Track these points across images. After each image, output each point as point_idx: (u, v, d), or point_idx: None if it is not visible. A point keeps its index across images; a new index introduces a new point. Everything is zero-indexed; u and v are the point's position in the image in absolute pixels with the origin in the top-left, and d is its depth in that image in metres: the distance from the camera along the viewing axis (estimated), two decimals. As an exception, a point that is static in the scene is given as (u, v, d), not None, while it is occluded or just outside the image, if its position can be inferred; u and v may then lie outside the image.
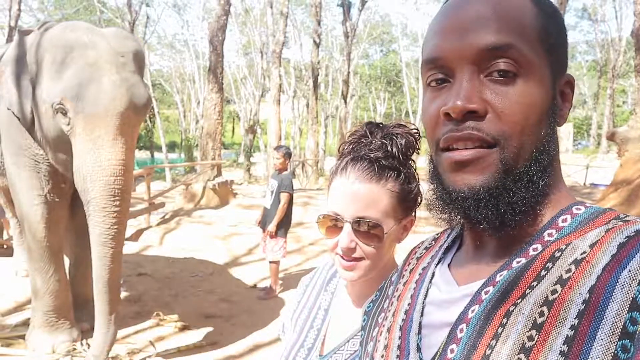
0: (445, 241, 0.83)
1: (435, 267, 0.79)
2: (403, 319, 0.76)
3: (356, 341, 1.10)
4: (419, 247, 0.90)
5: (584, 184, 19.20)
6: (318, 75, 23.98)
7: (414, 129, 1.13)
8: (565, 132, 33.74)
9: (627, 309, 0.52)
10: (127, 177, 3.49)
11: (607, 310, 0.53)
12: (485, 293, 0.65)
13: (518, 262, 0.65)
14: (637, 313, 0.51)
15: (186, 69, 36.48)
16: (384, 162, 1.09)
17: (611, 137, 9.46)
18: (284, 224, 6.24)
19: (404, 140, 1.09)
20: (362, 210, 1.06)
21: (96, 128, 3.38)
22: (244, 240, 8.94)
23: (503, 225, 0.65)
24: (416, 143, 1.12)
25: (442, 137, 0.65)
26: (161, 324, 5.14)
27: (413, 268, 0.85)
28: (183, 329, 5.08)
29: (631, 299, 0.52)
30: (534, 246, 0.65)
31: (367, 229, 1.06)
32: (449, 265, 0.77)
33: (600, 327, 0.52)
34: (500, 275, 0.65)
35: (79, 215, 4.60)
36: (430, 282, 0.77)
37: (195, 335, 4.95)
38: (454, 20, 0.66)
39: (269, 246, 6.24)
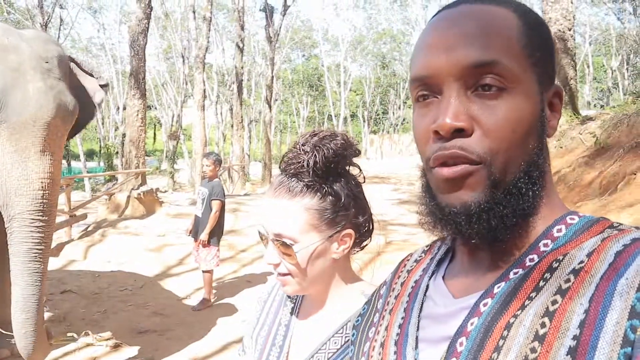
0: (436, 253, 0.82)
1: (429, 279, 0.77)
2: (398, 334, 0.75)
3: (320, 356, 1.09)
4: (409, 260, 0.88)
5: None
6: (242, 80, 23.79)
7: (343, 139, 1.09)
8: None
9: (627, 317, 0.52)
10: (54, 190, 3.30)
11: (607, 319, 0.53)
12: (484, 305, 0.64)
13: (515, 273, 0.65)
14: (637, 320, 0.52)
15: (103, 74, 35.04)
16: (301, 178, 1.07)
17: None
18: (216, 232, 6.13)
19: (322, 154, 1.05)
20: (279, 227, 1.06)
21: (22, 138, 3.17)
22: (175, 250, 8.68)
23: (495, 239, 0.65)
24: (344, 152, 1.09)
25: (432, 155, 0.65)
26: (91, 344, 4.86)
27: (404, 281, 0.83)
28: (115, 347, 4.84)
29: (630, 306, 0.53)
30: (531, 257, 0.65)
31: (283, 246, 1.06)
32: (442, 277, 0.76)
33: (602, 336, 0.53)
34: (498, 287, 0.65)
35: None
36: (425, 295, 0.76)
37: (129, 353, 4.74)
38: (440, 37, 0.66)
39: (202, 255, 6.10)
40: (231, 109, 28.54)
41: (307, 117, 48.64)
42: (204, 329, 5.46)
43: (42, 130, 3.20)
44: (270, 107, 25.74)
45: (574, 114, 10.12)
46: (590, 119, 9.78)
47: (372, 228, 1.17)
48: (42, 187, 3.19)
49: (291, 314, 1.22)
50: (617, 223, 0.64)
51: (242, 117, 24.09)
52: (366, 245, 1.18)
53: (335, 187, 1.08)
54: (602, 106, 31.85)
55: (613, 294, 0.54)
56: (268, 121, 25.85)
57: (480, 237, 0.65)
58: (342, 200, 1.08)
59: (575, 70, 10.78)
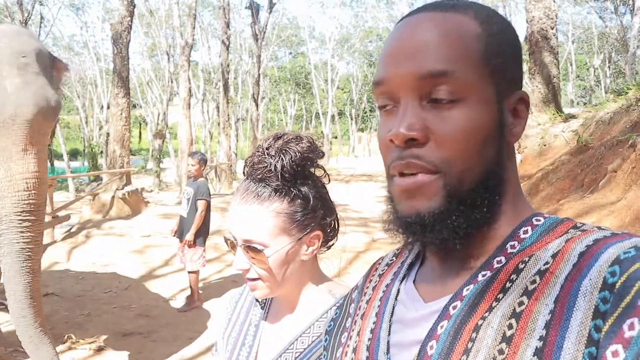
0: (407, 257, 0.82)
1: (400, 283, 0.78)
2: (369, 338, 0.75)
3: (288, 355, 1.10)
4: (380, 264, 0.88)
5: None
6: (228, 78, 23.68)
7: (308, 141, 1.10)
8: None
9: (591, 317, 0.53)
10: (41, 189, 3.21)
11: (572, 319, 0.54)
12: (453, 308, 0.65)
13: (484, 276, 0.65)
14: (600, 320, 0.52)
15: (87, 72, 34.69)
16: (268, 182, 1.07)
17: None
18: (202, 232, 6.10)
19: (289, 157, 1.06)
20: (247, 233, 1.07)
21: (2, 138, 3.08)
22: (160, 251, 8.62)
23: (450, 248, 0.66)
24: (310, 155, 1.10)
25: (390, 164, 0.67)
26: (74, 347, 4.82)
27: (376, 285, 0.83)
28: (99, 350, 4.80)
29: (594, 306, 0.53)
30: (498, 258, 0.65)
31: (252, 252, 1.07)
32: (413, 281, 0.76)
33: (567, 336, 0.53)
34: (467, 290, 0.65)
35: None
36: (396, 299, 0.76)
37: (114, 357, 4.70)
38: (397, 46, 0.67)
39: (188, 256, 6.06)
40: (218, 107, 28.40)
41: (294, 115, 48.56)
42: (190, 330, 5.43)
43: (23, 128, 3.11)
44: (257, 105, 25.65)
45: (557, 112, 10.20)
46: (573, 117, 9.86)
47: (338, 227, 1.19)
48: (27, 187, 3.11)
49: (261, 314, 1.23)
50: (580, 223, 0.65)
51: (228, 115, 23.97)
52: (332, 244, 1.20)
53: (303, 190, 1.09)
54: (585, 104, 32.21)
55: (577, 294, 0.55)
56: (255, 119, 25.77)
57: (435, 245, 0.66)
58: (311, 202, 1.09)
59: (558, 69, 10.86)
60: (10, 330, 5.04)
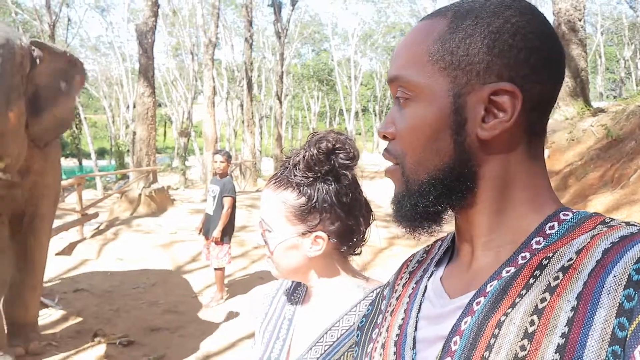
0: (436, 253, 0.83)
1: (427, 280, 0.79)
2: (397, 334, 0.76)
3: (318, 348, 1.13)
4: (411, 260, 0.89)
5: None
6: (252, 76, 23.81)
7: (332, 141, 1.14)
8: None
9: (615, 314, 0.53)
10: None
11: (595, 316, 0.54)
12: (477, 304, 0.65)
13: (507, 272, 0.65)
14: (625, 318, 0.52)
15: (113, 72, 35.24)
16: (285, 174, 1.16)
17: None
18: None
19: (309, 154, 1.13)
20: (263, 213, 1.19)
21: None
22: (186, 248, 8.72)
23: (414, 228, 0.73)
24: (330, 155, 1.13)
25: None
26: (104, 341, 4.91)
27: (406, 282, 0.84)
28: (128, 345, 4.89)
29: (618, 304, 0.53)
30: (523, 254, 0.65)
31: (264, 231, 1.18)
32: (440, 278, 0.77)
33: (590, 334, 0.53)
34: (491, 286, 0.65)
35: (20, 236, 4.36)
36: (423, 296, 0.77)
37: (142, 351, 4.78)
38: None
39: (214, 253, 6.12)
40: (241, 105, 28.58)
41: (318, 112, 48.61)
42: (216, 325, 5.49)
43: None
44: (280, 102, 25.74)
45: (586, 106, 10.00)
46: (602, 110, 9.66)
47: (358, 240, 1.20)
48: None
49: (294, 309, 1.27)
50: (609, 219, 0.64)
51: (252, 113, 24.11)
52: (356, 253, 1.24)
53: (313, 188, 1.14)
54: (614, 97, 31.49)
55: (601, 291, 0.54)
56: (279, 117, 25.87)
57: (401, 224, 0.74)
58: (316, 201, 1.14)
59: (587, 61, 10.64)
60: (45, 324, 5.19)
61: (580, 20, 10.19)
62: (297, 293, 1.29)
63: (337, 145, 1.14)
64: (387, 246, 7.97)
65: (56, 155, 4.47)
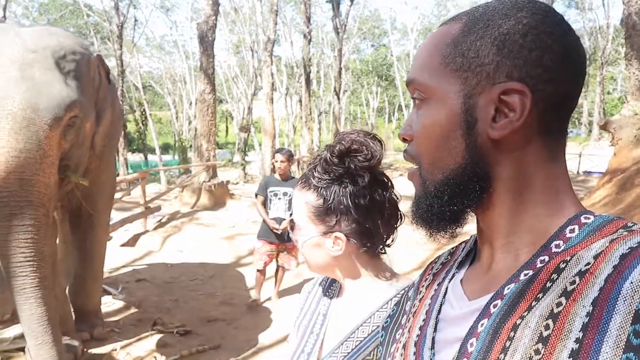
0: (459, 255, 0.84)
1: (449, 282, 0.79)
2: (418, 335, 0.77)
3: (349, 344, 1.15)
4: (436, 262, 0.90)
5: (578, 172, 19.27)
6: (310, 72, 23.94)
7: (348, 143, 1.16)
8: (557, 121, 33.73)
9: (630, 321, 0.52)
10: (28, 190, 2.95)
11: (610, 322, 0.53)
12: (494, 307, 0.66)
13: (525, 275, 0.65)
14: None
15: (176, 70, 36.31)
16: (307, 174, 1.21)
17: (604, 125, 9.48)
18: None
19: (326, 156, 1.17)
20: (293, 212, 1.24)
21: None
22: (244, 241, 8.91)
23: (432, 230, 0.74)
24: (345, 158, 1.16)
25: None
26: (162, 330, 5.11)
27: (429, 284, 0.85)
28: (185, 334, 5.06)
29: (634, 311, 0.52)
30: (542, 258, 0.65)
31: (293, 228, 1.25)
32: (461, 280, 0.78)
33: (605, 340, 0.53)
34: (508, 288, 0.65)
35: (79, 230, 4.61)
36: (444, 297, 0.78)
37: (198, 340, 4.93)
38: None
39: (287, 257, 5.96)
40: (300, 101, 28.80)
41: (377, 108, 48.32)
42: (269, 319, 5.59)
43: (9, 122, 2.93)
44: (338, 98, 25.76)
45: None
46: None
47: (378, 241, 1.21)
48: (19, 186, 2.92)
49: (329, 304, 1.30)
50: (632, 223, 0.63)
51: (310, 109, 24.26)
52: (382, 252, 1.26)
53: (329, 190, 1.17)
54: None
55: (617, 297, 0.54)
56: (337, 112, 25.90)
57: (419, 225, 0.75)
58: (332, 203, 1.17)
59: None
60: (108, 312, 5.45)
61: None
62: (332, 289, 1.32)
63: (353, 147, 1.15)
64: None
65: (109, 154, 4.67)
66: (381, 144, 1.19)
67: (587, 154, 21.23)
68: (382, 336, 0.93)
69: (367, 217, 1.17)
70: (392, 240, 1.25)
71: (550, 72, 0.65)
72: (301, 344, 1.27)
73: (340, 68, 25.74)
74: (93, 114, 3.63)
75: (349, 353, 1.15)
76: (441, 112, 0.69)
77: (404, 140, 0.76)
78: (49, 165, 3.06)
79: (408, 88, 0.75)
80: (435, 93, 0.70)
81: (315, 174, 1.19)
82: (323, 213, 1.18)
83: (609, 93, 40.59)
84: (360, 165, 1.15)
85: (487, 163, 0.68)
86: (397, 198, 1.22)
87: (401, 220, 1.23)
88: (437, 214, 0.71)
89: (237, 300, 6.23)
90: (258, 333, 5.17)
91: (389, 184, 1.21)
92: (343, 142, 1.17)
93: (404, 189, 1.17)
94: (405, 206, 1.24)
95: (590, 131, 34.96)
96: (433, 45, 0.72)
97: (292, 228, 1.25)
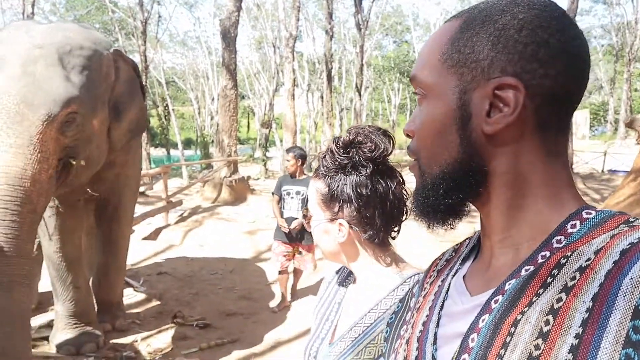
0: (463, 252, 0.85)
1: (452, 278, 0.80)
2: (420, 331, 0.78)
3: (357, 329, 1.20)
4: (440, 259, 0.90)
5: (602, 170, 18.95)
6: (332, 68, 23.91)
7: (353, 135, 1.23)
8: (581, 119, 33.22)
9: (630, 317, 0.52)
10: (22, 186, 2.94)
11: (610, 318, 0.53)
12: (495, 302, 0.66)
13: (527, 270, 0.65)
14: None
15: (199, 66, 36.56)
16: (319, 164, 1.29)
17: (630, 124, 9.27)
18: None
19: (331, 151, 1.24)
20: (309, 198, 1.32)
21: None
22: (264, 237, 8.96)
23: (429, 221, 0.75)
24: (350, 149, 1.22)
25: None
26: (182, 323, 5.18)
27: (433, 280, 0.86)
28: (204, 327, 5.12)
29: (634, 307, 0.52)
30: (543, 253, 0.65)
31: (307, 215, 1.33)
32: (464, 276, 0.78)
33: (604, 335, 0.53)
34: (509, 284, 0.66)
35: (104, 223, 4.69)
36: (447, 293, 0.78)
37: (217, 334, 5.00)
38: None
39: (305, 259, 5.88)
40: (322, 97, 28.80)
41: (398, 105, 48.06)
42: (288, 314, 5.63)
43: (6, 118, 2.95)
44: (360, 94, 25.70)
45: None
46: None
47: (376, 230, 1.24)
48: (4, 180, 2.91)
49: (344, 293, 1.36)
50: (634, 218, 0.63)
51: (332, 105, 24.25)
52: (390, 238, 1.31)
53: (334, 179, 1.24)
54: None
55: (617, 293, 0.54)
56: (358, 109, 25.84)
57: (419, 216, 0.76)
58: (335, 191, 1.24)
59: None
60: (130, 304, 5.54)
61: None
62: (349, 279, 1.38)
63: (358, 139, 1.22)
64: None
65: (136, 149, 4.73)
66: (390, 139, 1.24)
67: (612, 152, 20.83)
68: (386, 332, 0.94)
69: (368, 206, 1.23)
70: (397, 232, 1.30)
71: (547, 67, 0.64)
72: (317, 330, 1.34)
73: (362, 64, 25.67)
74: (104, 110, 3.60)
75: (355, 338, 1.20)
76: (438, 108, 0.71)
77: (408, 135, 0.78)
78: (40, 160, 3.03)
79: (412, 84, 0.77)
80: (433, 89, 0.72)
81: (324, 163, 1.26)
82: (329, 200, 1.26)
83: (636, 90, 39.72)
84: (364, 156, 1.21)
85: (482, 157, 0.69)
86: (407, 193, 1.26)
87: (407, 214, 1.26)
88: (432, 206, 0.73)
89: (256, 295, 6.28)
90: (276, 328, 5.21)
91: (398, 178, 1.26)
92: (349, 133, 1.24)
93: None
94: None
95: (616, 129, 34.21)
96: (433, 43, 0.74)
97: (306, 216, 1.33)
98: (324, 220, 1.27)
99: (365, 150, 1.21)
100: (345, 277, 1.39)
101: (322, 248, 1.32)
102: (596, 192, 13.95)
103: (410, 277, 1.22)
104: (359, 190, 1.21)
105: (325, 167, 1.25)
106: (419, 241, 6.77)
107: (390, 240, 1.31)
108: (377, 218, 1.23)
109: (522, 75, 0.65)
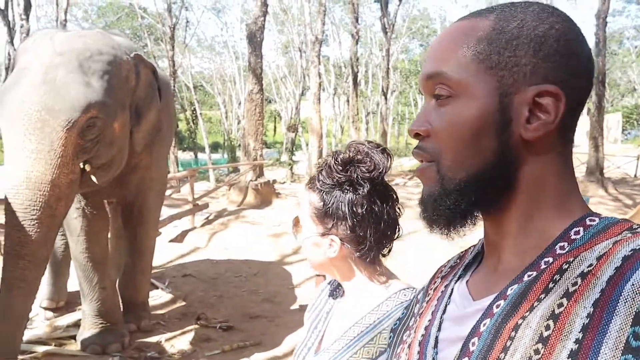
0: (467, 258, 0.85)
1: (455, 284, 0.81)
2: (422, 335, 0.79)
3: (341, 342, 1.21)
4: (445, 266, 0.91)
5: (635, 175, 18.51)
6: (358, 72, 23.90)
7: (352, 153, 1.21)
8: (614, 122, 32.54)
9: (630, 323, 0.52)
10: (41, 191, 3.02)
11: (610, 324, 0.53)
12: (497, 307, 0.66)
13: (529, 276, 0.65)
14: None
15: (226, 70, 36.91)
16: (315, 176, 1.26)
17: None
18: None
19: (329, 166, 1.22)
20: (299, 209, 1.31)
21: (6, 133, 3.10)
22: (289, 240, 8.98)
23: (450, 227, 0.72)
24: (347, 167, 1.20)
25: None
26: (206, 324, 5.22)
27: (437, 286, 0.87)
28: (227, 329, 5.16)
29: (634, 313, 0.52)
30: (546, 259, 0.65)
31: (294, 225, 1.32)
32: (467, 281, 0.79)
33: (604, 341, 0.53)
34: (511, 289, 0.66)
35: (130, 225, 4.77)
36: (450, 298, 0.79)
37: (239, 336, 5.03)
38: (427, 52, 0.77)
39: None
40: (348, 101, 28.80)
41: (424, 108, 47.75)
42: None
43: (24, 124, 3.02)
44: (386, 98, 25.62)
45: None
46: None
47: (369, 249, 1.23)
48: (14, 185, 2.99)
49: (333, 303, 1.37)
50: (637, 225, 0.63)
51: (358, 109, 24.22)
52: (384, 254, 1.30)
53: (330, 195, 1.22)
54: None
55: (618, 299, 0.54)
56: (384, 113, 25.76)
57: (430, 224, 0.73)
58: (330, 207, 1.22)
59: None
60: (155, 305, 5.61)
61: None
62: (338, 290, 1.38)
63: (358, 157, 1.21)
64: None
65: (160, 151, 4.78)
66: (389, 157, 1.23)
67: (646, 156, 20.32)
68: (390, 338, 0.95)
69: (362, 225, 1.22)
70: (389, 251, 1.29)
71: (576, 78, 0.67)
72: (307, 338, 1.35)
73: (388, 68, 25.60)
74: (125, 113, 3.64)
75: (338, 351, 1.21)
76: (473, 109, 0.68)
77: (416, 136, 0.74)
78: (59, 165, 3.11)
79: (425, 82, 0.73)
80: (466, 89, 0.69)
81: (320, 178, 1.24)
82: (322, 215, 1.24)
83: (671, 93, 38.68)
84: (362, 176, 1.20)
85: (515, 164, 0.68)
86: (400, 211, 1.27)
87: (399, 233, 1.27)
88: (460, 212, 0.71)
89: (279, 298, 6.30)
90: (298, 330, 5.21)
91: (393, 197, 1.26)
92: (349, 150, 1.22)
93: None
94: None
95: (650, 133, 33.39)
96: (459, 40, 0.70)
97: (295, 224, 1.32)
98: (315, 234, 1.26)
99: (364, 169, 1.20)
100: (335, 288, 1.39)
101: (310, 259, 1.31)
102: (628, 197, 13.62)
103: (396, 293, 1.22)
104: (354, 209, 1.20)
105: (321, 182, 1.24)
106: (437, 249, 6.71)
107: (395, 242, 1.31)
108: (370, 237, 1.22)
109: (562, 85, 0.66)
